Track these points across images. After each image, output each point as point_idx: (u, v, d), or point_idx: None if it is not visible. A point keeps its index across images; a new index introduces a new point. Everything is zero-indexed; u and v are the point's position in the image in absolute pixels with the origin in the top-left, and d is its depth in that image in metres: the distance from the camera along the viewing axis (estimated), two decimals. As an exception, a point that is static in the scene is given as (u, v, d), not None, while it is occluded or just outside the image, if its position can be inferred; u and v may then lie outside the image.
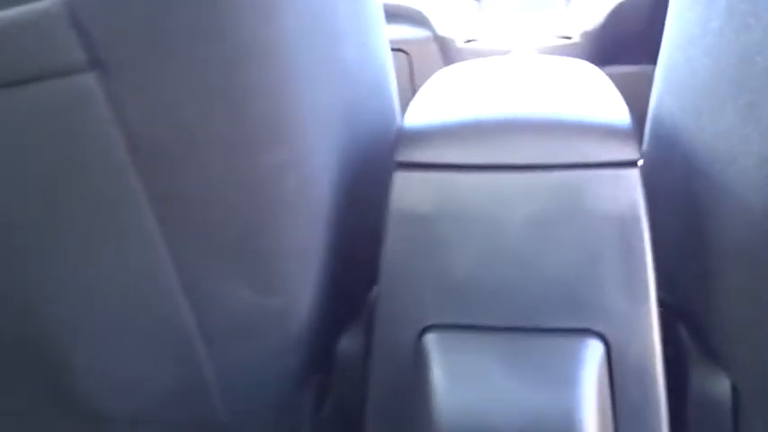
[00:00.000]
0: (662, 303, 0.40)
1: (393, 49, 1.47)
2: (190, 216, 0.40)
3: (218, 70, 0.35)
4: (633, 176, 0.41)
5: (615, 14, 1.31)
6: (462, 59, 1.38)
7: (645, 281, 0.39)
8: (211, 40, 0.35)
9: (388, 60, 0.64)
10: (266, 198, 0.41)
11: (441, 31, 1.36)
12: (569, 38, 1.32)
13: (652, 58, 1.42)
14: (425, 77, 1.50)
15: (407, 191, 0.43)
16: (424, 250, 0.42)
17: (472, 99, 0.51)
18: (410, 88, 1.51)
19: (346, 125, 0.47)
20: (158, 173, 0.39)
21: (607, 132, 0.43)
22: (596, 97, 0.51)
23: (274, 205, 0.41)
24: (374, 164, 0.50)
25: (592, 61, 1.38)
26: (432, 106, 0.51)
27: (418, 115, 0.50)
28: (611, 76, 1.44)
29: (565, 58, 0.72)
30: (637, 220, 0.39)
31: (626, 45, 1.38)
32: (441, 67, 1.44)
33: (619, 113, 0.46)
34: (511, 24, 1.35)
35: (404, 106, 1.57)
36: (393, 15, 1.41)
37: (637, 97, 1.49)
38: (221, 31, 0.35)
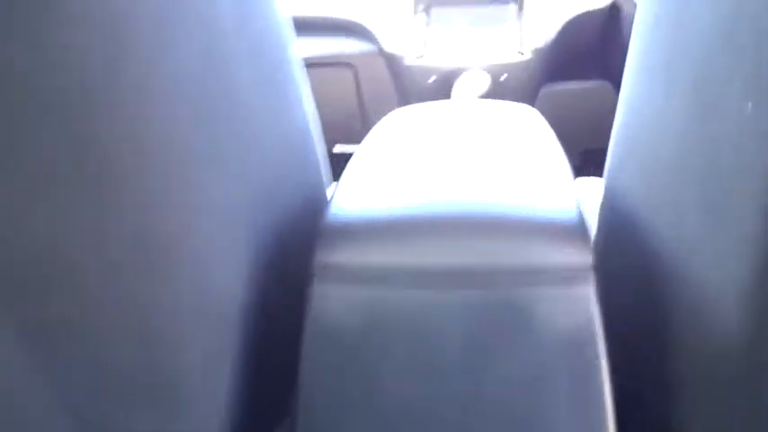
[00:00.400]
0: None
1: (338, 64, 1.42)
2: (70, 345, 0.33)
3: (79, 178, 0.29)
4: (586, 287, 0.36)
5: (567, 30, 1.28)
6: (410, 76, 1.32)
7: (601, 413, 0.34)
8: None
9: (312, 122, 0.55)
10: (161, 313, 0.34)
11: (387, 47, 1.30)
12: (521, 54, 1.28)
13: (604, 74, 1.39)
14: (373, 93, 1.45)
15: (328, 305, 0.37)
16: (345, 373, 0.36)
17: (403, 182, 0.45)
18: (357, 104, 1.45)
19: (257, 219, 0.41)
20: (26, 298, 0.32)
21: (556, 231, 0.37)
22: (542, 175, 0.45)
23: (171, 320, 0.35)
24: (294, 260, 0.43)
25: (544, 77, 1.35)
26: (359, 191, 0.45)
27: (343, 205, 0.43)
28: (564, 92, 1.41)
29: (508, 104, 0.67)
30: (591, 340, 0.34)
31: (578, 61, 1.34)
32: (388, 83, 1.39)
33: (567, 201, 0.40)
34: (461, 40, 1.30)
35: (349, 121, 1.52)
36: (338, 29, 1.35)
37: (588, 112, 1.46)
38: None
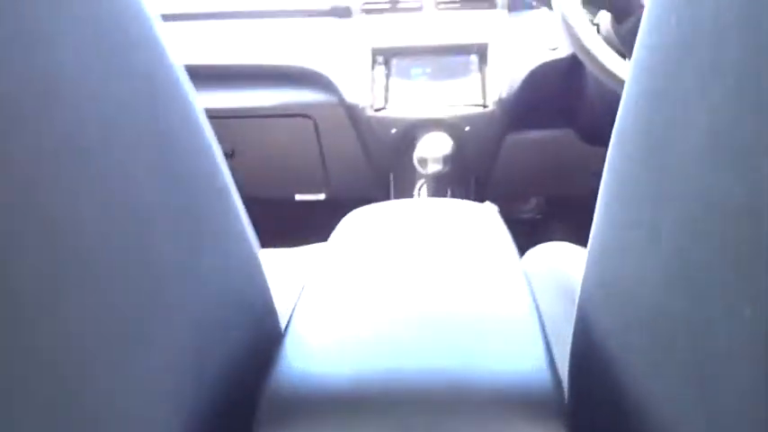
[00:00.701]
0: None
1: (297, 115, 1.37)
2: None
3: None
4: None
5: (530, 80, 1.25)
6: (372, 127, 1.28)
7: None
8: None
9: (253, 257, 0.47)
10: None
11: (348, 98, 1.27)
12: (484, 106, 1.25)
13: (568, 122, 1.37)
14: (333, 143, 1.40)
15: None
16: None
17: (359, 326, 0.40)
18: (318, 153, 1.41)
19: (188, 389, 0.35)
20: None
21: (526, 406, 0.33)
22: (507, 317, 0.41)
23: None
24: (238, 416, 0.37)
25: (508, 127, 1.32)
26: (310, 340, 0.39)
27: (289, 365, 0.37)
28: (528, 141, 1.39)
29: (467, 205, 0.63)
30: None
31: (542, 109, 1.32)
32: (349, 133, 1.35)
33: (537, 362, 0.36)
34: (422, 91, 1.27)
35: (310, 170, 1.47)
36: (297, 79, 1.30)
37: (553, 160, 1.44)
38: None
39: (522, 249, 0.67)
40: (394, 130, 1.29)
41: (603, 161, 0.37)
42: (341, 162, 1.45)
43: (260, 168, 1.48)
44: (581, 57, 1.00)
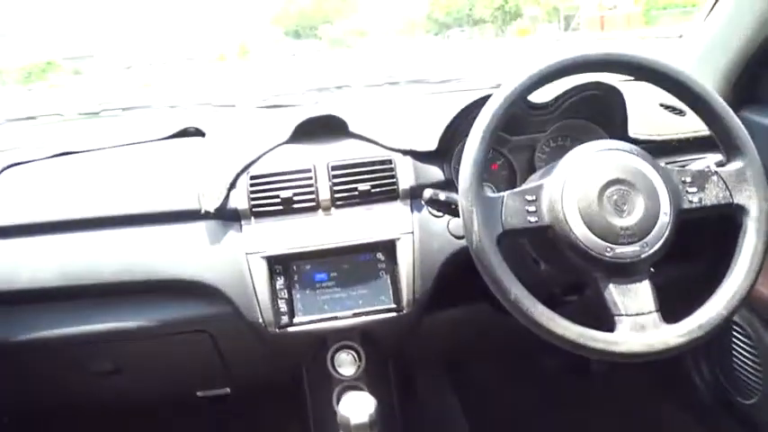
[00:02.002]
0: None
1: (191, 332, 1.22)
2: None
3: None
4: None
5: (443, 273, 1.17)
6: (277, 343, 1.15)
7: None
8: None
9: None
10: None
11: (248, 315, 1.13)
12: (399, 310, 1.15)
13: (482, 296, 1.30)
14: (235, 353, 1.26)
15: None
16: None
17: None
18: (219, 362, 1.27)
19: None
20: None
21: None
22: None
23: None
24: None
25: (423, 315, 1.22)
26: None
27: None
28: (448, 319, 1.30)
29: None
30: None
31: (455, 293, 1.24)
32: (254, 345, 1.21)
33: None
34: (330, 300, 1.16)
35: (211, 375, 1.30)
36: (187, 293, 1.16)
37: (472, 332, 1.37)
38: None
39: None
40: (303, 344, 1.17)
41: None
42: (245, 366, 1.31)
43: (151, 379, 1.33)
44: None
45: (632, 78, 1.02)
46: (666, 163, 1.25)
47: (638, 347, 0.88)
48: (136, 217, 1.16)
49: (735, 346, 1.36)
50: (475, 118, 1.19)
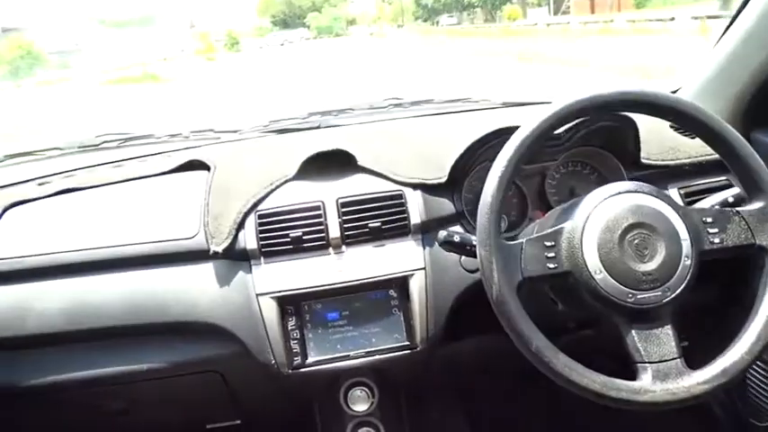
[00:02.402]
0: None
1: (201, 372, 1.20)
2: None
3: None
4: None
5: (456, 309, 1.15)
6: (290, 383, 1.14)
7: None
8: None
9: None
10: None
11: (260, 356, 1.11)
12: (413, 348, 1.14)
13: (497, 327, 1.29)
14: (247, 391, 1.25)
15: None
16: None
17: None
18: (229, 399, 1.25)
19: None
20: None
21: None
22: None
23: None
24: None
25: (435, 361, 1.21)
26: None
27: None
28: (465, 351, 1.28)
29: None
30: None
31: (470, 326, 1.22)
32: (266, 384, 1.19)
33: None
34: (342, 340, 1.14)
35: (221, 409, 1.29)
36: (197, 334, 1.14)
37: (484, 365, 1.35)
38: None
39: None
40: (316, 382, 1.16)
41: None
42: (257, 401, 1.30)
43: (161, 417, 1.31)
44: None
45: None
46: (680, 187, 1.24)
47: (661, 396, 0.86)
48: (142, 258, 1.14)
49: (750, 369, 1.35)
50: (485, 149, 1.18)
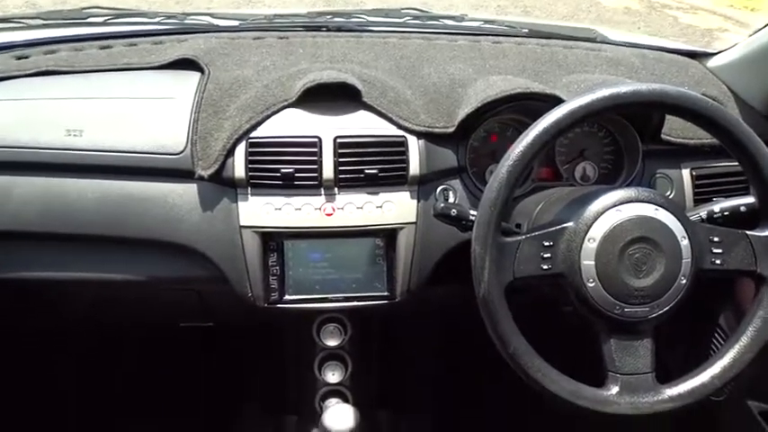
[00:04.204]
0: None
1: (178, 289, 1.19)
2: None
3: None
4: None
5: (441, 265, 1.14)
6: (266, 314, 1.14)
7: None
8: None
9: None
10: None
11: (237, 287, 1.10)
12: (393, 298, 1.13)
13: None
14: (222, 310, 1.25)
15: None
16: None
17: None
18: (205, 312, 1.26)
19: None
20: None
21: None
22: None
23: None
24: None
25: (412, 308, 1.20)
26: None
27: None
28: (432, 297, 1.29)
29: None
30: None
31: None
32: (239, 306, 1.19)
33: None
34: (322, 278, 1.12)
35: (195, 313, 1.31)
36: (176, 253, 1.11)
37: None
38: None
39: None
40: (290, 316, 1.16)
41: None
42: (231, 315, 1.31)
43: (131, 316, 1.32)
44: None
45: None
46: (693, 167, 1.18)
47: (624, 409, 0.88)
48: (124, 169, 1.08)
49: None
50: (503, 108, 1.10)
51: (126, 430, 1.58)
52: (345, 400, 1.25)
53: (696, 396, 0.89)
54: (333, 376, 1.25)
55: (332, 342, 1.22)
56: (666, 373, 0.91)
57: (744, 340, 0.90)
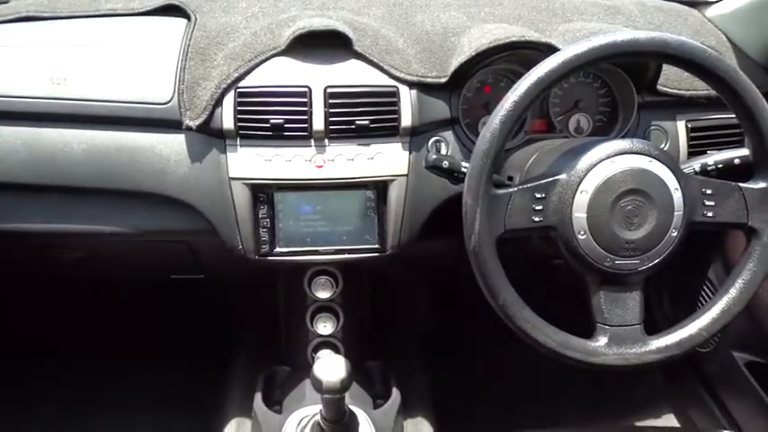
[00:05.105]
0: None
1: (167, 241, 1.18)
2: None
3: None
4: None
5: (432, 218, 1.13)
6: (256, 264, 1.13)
7: None
8: None
9: None
10: None
11: (227, 239, 1.10)
12: (383, 251, 1.13)
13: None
14: (213, 260, 1.24)
15: None
16: None
17: None
18: (196, 264, 1.26)
19: None
20: None
21: None
22: None
23: None
24: None
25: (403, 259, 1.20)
26: None
27: None
28: (422, 251, 1.28)
29: None
30: None
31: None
32: (232, 262, 1.18)
33: None
34: (312, 231, 1.12)
35: (184, 265, 1.31)
36: (165, 204, 1.10)
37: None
38: None
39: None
40: (281, 269, 1.16)
41: None
42: (222, 267, 1.30)
43: (123, 267, 1.32)
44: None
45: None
46: (689, 119, 1.17)
47: (613, 360, 0.89)
48: (109, 119, 1.06)
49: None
50: (497, 57, 1.07)
51: (119, 376, 1.60)
52: (337, 352, 1.26)
53: (684, 347, 0.90)
54: (324, 328, 1.26)
55: (323, 294, 1.23)
56: (654, 326, 0.92)
57: (732, 293, 0.90)
